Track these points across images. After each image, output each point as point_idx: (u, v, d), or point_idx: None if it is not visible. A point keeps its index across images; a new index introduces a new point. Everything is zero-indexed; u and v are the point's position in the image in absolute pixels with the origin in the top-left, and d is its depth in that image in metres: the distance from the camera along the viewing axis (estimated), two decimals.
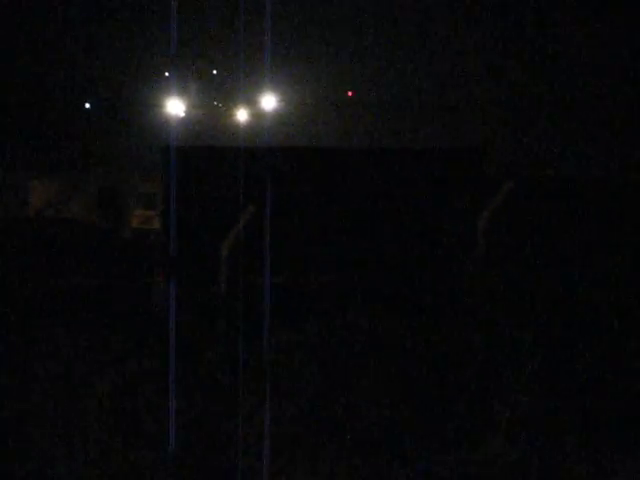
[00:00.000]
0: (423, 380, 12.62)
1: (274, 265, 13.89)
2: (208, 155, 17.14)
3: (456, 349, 13.11)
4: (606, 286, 14.75)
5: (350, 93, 24.31)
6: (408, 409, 12.17)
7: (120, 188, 25.98)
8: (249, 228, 15.21)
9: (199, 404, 11.78)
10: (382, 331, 13.55)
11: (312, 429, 11.21)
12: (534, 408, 12.19)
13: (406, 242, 15.81)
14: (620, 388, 12.66)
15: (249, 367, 12.23)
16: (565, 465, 10.67)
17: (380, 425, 11.64)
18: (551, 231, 15.97)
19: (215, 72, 26.06)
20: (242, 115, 17.36)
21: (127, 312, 15.22)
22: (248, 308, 13.45)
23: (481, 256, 15.52)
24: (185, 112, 23.21)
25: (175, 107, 19.57)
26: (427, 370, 12.73)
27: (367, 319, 13.85)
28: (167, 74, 27.27)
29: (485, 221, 15.46)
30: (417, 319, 13.78)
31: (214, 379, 12.44)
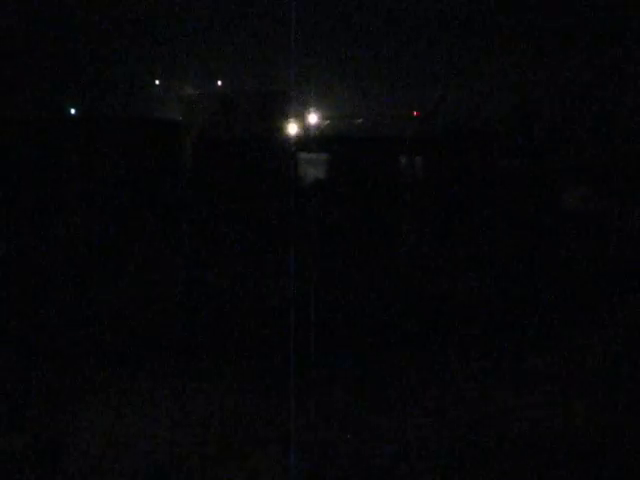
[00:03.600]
0: None
1: None
2: None
3: None
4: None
5: (416, 113, 24.23)
6: None
7: None
8: None
9: None
10: None
11: None
12: None
13: None
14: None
15: None
16: None
17: None
18: None
19: (220, 83, 24.99)
20: (293, 128, 17.91)
21: None
22: None
23: None
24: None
25: None
26: None
27: None
28: (158, 82, 25.81)
29: None
30: None
31: None
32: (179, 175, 15.50)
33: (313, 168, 15.60)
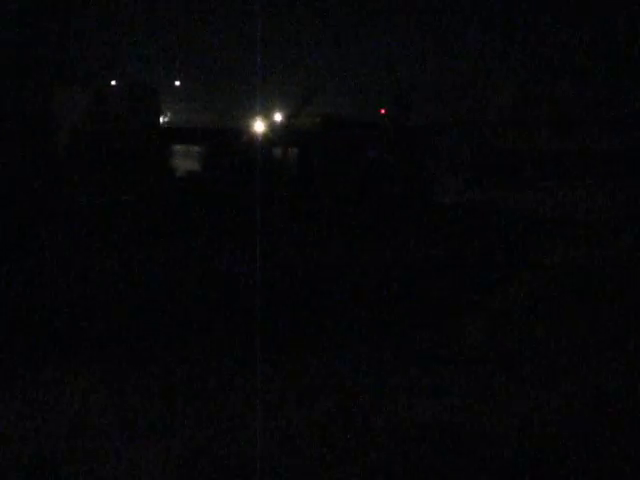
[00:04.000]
0: None
1: None
2: None
3: None
4: None
5: (383, 111, 24.92)
6: None
7: None
8: None
9: None
10: None
11: None
12: None
13: None
14: None
15: None
16: None
17: None
18: None
19: (178, 83, 24.62)
20: (259, 126, 18.10)
21: None
22: None
23: None
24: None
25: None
26: None
27: None
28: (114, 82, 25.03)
29: None
30: None
31: None
32: (50, 168, 15.31)
33: (186, 160, 15.45)
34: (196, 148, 15.28)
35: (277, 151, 15.13)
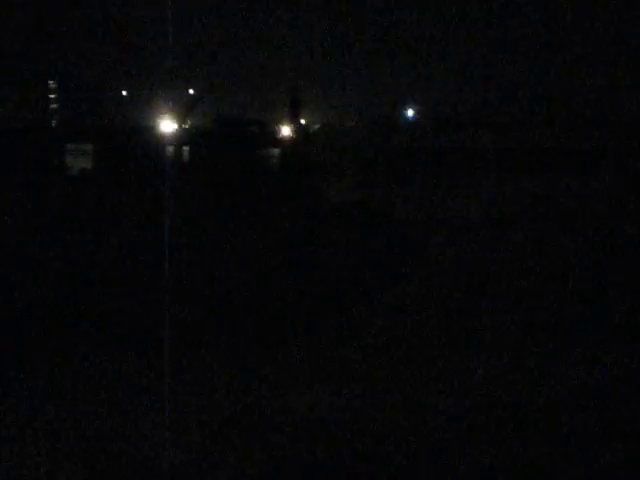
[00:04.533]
0: None
1: None
2: None
3: None
4: None
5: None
6: None
7: None
8: None
9: None
10: None
11: None
12: None
13: None
14: None
15: None
16: None
17: None
18: None
19: (191, 91, 24.41)
20: (285, 130, 18.88)
21: None
22: None
23: None
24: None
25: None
26: None
27: None
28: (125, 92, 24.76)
29: None
30: None
31: None
32: None
33: (79, 158, 15.55)
34: (89, 147, 15.37)
35: (170, 150, 15.32)
